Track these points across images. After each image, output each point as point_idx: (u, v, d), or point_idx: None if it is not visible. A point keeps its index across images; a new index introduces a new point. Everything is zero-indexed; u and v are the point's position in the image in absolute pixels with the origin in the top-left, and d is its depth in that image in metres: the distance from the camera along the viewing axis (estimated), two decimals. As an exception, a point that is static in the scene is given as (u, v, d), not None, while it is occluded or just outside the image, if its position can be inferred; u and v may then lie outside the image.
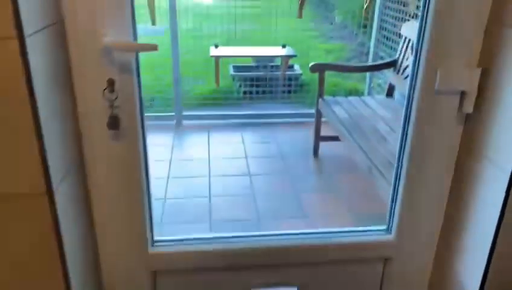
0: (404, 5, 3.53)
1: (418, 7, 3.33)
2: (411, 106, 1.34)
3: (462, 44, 1.22)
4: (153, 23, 3.32)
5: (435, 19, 1.19)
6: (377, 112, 3.02)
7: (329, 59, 5.57)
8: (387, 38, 3.78)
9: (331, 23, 7.42)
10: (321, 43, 6.17)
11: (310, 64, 3.19)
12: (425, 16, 1.22)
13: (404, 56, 3.13)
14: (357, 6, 4.63)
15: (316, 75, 3.09)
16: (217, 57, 3.58)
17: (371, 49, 4.03)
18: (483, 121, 1.27)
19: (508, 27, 1.13)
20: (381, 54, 3.84)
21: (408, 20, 3.40)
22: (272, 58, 3.83)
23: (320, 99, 3.22)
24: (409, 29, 3.12)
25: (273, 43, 4.27)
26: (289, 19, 3.83)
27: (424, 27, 1.23)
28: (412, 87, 1.32)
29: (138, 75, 1.23)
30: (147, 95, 4.24)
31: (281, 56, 3.71)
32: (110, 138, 1.24)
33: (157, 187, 2.89)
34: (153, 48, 1.13)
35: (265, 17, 3.98)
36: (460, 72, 1.26)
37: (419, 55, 1.27)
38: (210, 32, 4.60)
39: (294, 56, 3.78)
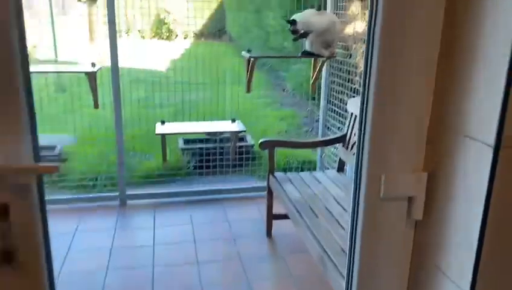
0: (349, 81, 3.58)
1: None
2: (357, 213, 1.22)
3: (405, 149, 1.13)
4: (96, 106, 3.16)
5: (373, 128, 1.10)
6: (329, 190, 2.93)
7: (281, 126, 5.56)
8: (335, 112, 3.79)
9: (283, 90, 7.56)
10: (273, 110, 6.20)
11: (260, 141, 3.10)
12: (363, 128, 1.14)
13: (352, 132, 3.11)
14: (304, 78, 4.71)
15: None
16: (163, 135, 3.43)
17: (320, 121, 4.02)
18: (433, 227, 1.16)
19: (451, 130, 1.06)
20: (332, 124, 3.83)
21: (353, 96, 3.43)
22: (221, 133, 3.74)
23: (271, 177, 3.10)
24: (355, 106, 3.13)
25: (225, 112, 4.20)
26: (242, 86, 3.81)
27: (363, 137, 1.14)
28: (356, 194, 1.21)
29: (41, 198, 1.03)
30: (90, 174, 3.97)
31: (230, 132, 3.62)
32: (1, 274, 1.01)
33: (93, 282, 2.58)
34: (53, 170, 0.96)
35: (216, 84, 3.91)
36: (406, 178, 1.16)
37: (361, 162, 1.16)
38: (162, 102, 4.49)
39: (244, 131, 3.70)
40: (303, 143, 3.24)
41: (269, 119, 5.22)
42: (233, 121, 3.77)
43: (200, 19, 3.98)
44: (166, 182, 3.98)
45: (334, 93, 3.87)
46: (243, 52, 3.56)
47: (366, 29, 1.11)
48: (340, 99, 3.70)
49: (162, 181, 3.96)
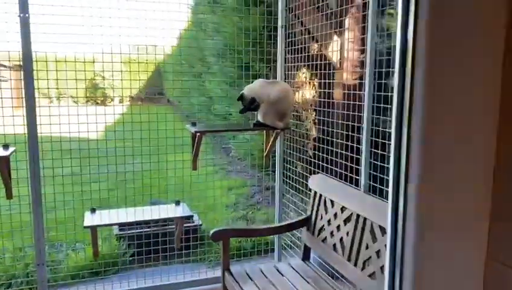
0: (303, 153, 3.24)
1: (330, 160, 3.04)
2: None
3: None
4: (9, 196, 2.53)
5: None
6: (295, 286, 2.45)
7: (230, 198, 5.08)
8: (292, 187, 3.40)
9: (229, 154, 7.15)
10: (220, 178, 5.73)
11: (212, 232, 2.59)
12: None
13: (317, 214, 2.71)
14: (253, 147, 4.35)
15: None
16: (94, 227, 2.82)
17: (277, 195, 3.61)
18: None
19: None
20: (292, 200, 3.42)
21: (311, 169, 3.08)
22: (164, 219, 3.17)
23: (226, 274, 2.57)
24: (318, 184, 2.76)
25: (167, 186, 3.65)
26: (186, 154, 3.34)
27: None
28: None
29: None
30: (3, 274, 3.18)
31: (174, 218, 3.08)
32: None
33: None
34: None
35: (157, 152, 3.41)
36: None
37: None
38: (95, 176, 3.84)
39: (190, 217, 3.18)
40: (262, 230, 2.79)
41: (217, 190, 4.72)
42: (178, 203, 3.24)
43: (136, 82, 3.52)
44: (100, 279, 3.28)
45: (290, 166, 3.50)
46: (187, 126, 3.13)
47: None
48: (297, 173, 3.34)
49: (94, 278, 3.26)
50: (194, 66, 7.14)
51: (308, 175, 3.19)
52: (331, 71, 3.17)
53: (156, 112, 3.50)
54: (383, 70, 2.38)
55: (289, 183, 3.52)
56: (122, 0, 3.14)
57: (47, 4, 2.95)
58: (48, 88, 3.31)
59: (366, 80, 2.39)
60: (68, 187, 3.37)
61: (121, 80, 3.56)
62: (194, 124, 3.15)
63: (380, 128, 2.38)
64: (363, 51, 2.98)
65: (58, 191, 3.20)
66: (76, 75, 3.24)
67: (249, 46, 3.61)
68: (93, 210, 3.08)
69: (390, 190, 0.89)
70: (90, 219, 2.93)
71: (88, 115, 3.23)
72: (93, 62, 3.83)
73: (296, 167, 3.44)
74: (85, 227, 2.82)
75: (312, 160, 3.19)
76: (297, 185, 3.38)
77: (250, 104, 2.91)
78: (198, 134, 2.92)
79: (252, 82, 3.13)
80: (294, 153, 3.48)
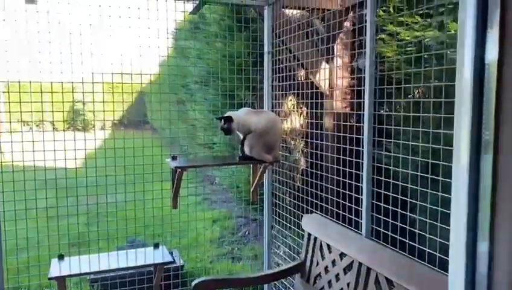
0: (292, 188, 2.94)
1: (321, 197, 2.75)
2: None
3: None
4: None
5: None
6: None
7: (214, 232, 4.69)
8: (285, 227, 3.07)
9: (212, 183, 6.79)
10: (204, 209, 5.35)
11: (194, 284, 2.22)
12: None
13: (312, 259, 2.37)
14: (239, 179, 4.03)
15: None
16: (61, 278, 2.40)
17: (266, 237, 3.28)
18: None
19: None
20: (282, 240, 3.08)
21: (302, 206, 2.76)
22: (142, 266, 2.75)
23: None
24: (313, 224, 2.43)
25: (146, 221, 3.28)
26: (168, 182, 3.03)
27: None
28: None
29: None
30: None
31: (153, 265, 2.68)
32: None
33: None
34: None
35: (137, 185, 3.09)
36: None
37: None
38: (72, 208, 3.41)
39: (171, 262, 2.79)
40: (250, 280, 2.43)
41: (200, 223, 4.35)
42: (156, 246, 2.86)
43: (118, 109, 3.26)
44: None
45: (279, 202, 3.18)
46: (167, 160, 2.81)
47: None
48: (288, 210, 3.02)
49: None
50: (177, 93, 6.87)
51: (300, 213, 2.87)
52: (322, 100, 2.95)
53: (138, 139, 3.19)
54: (384, 100, 2.11)
55: (279, 221, 3.19)
56: (103, 27, 2.88)
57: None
58: (20, 112, 2.98)
59: (366, 110, 2.12)
60: (43, 222, 2.98)
61: (104, 106, 3.29)
62: (174, 158, 2.84)
63: (383, 166, 2.09)
64: (353, 78, 2.79)
65: (33, 227, 2.82)
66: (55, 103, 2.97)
67: (233, 73, 3.38)
68: (61, 257, 2.67)
69: (456, 252, 0.65)
70: (57, 268, 2.51)
71: (66, 140, 2.91)
72: (72, 92, 3.55)
73: (286, 204, 3.12)
74: (50, 279, 2.40)
75: (304, 197, 2.88)
76: (288, 224, 3.06)
77: (225, 123, 2.59)
78: (178, 170, 2.59)
79: (236, 110, 2.86)
80: (284, 187, 3.17)
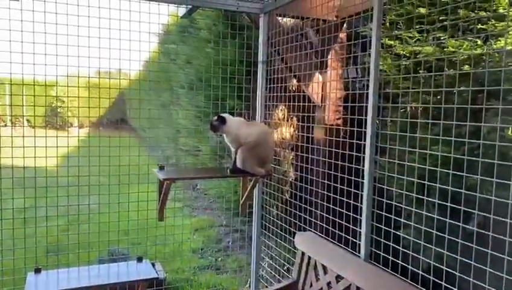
0: (283, 202, 2.82)
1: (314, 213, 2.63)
2: None
3: None
4: None
5: None
6: None
7: (196, 242, 4.50)
8: (275, 242, 2.93)
9: (194, 189, 6.59)
10: (185, 216, 5.14)
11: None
12: None
13: (305, 280, 2.23)
14: (228, 190, 3.86)
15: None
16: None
17: (254, 246, 3.14)
18: None
19: None
20: (271, 255, 2.94)
21: (304, 229, 2.63)
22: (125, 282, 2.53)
23: None
24: (307, 243, 2.30)
25: (128, 229, 3.08)
26: (151, 187, 2.90)
27: None
28: None
29: None
30: None
31: (135, 281, 2.47)
32: None
33: None
34: None
35: (115, 188, 2.93)
36: None
37: None
38: (50, 212, 3.16)
39: (156, 279, 2.59)
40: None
41: (182, 230, 4.16)
42: (140, 260, 2.66)
43: (97, 107, 3.10)
44: None
45: (268, 216, 3.05)
46: (155, 170, 2.64)
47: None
48: (289, 231, 2.89)
49: None
50: (162, 96, 6.66)
51: (290, 228, 2.75)
52: (314, 113, 2.85)
53: (117, 140, 3.05)
54: (388, 118, 2.01)
55: (268, 235, 3.05)
56: (86, 21, 2.68)
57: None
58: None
59: (368, 128, 2.01)
60: (18, 225, 2.75)
61: (88, 103, 3.12)
62: (161, 168, 2.68)
63: (385, 186, 1.97)
64: (348, 91, 2.72)
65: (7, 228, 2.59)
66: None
67: (225, 81, 3.24)
68: (37, 270, 2.43)
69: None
70: (33, 285, 2.28)
71: (46, 140, 2.71)
72: (48, 84, 3.34)
73: (275, 217, 2.99)
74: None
75: (293, 211, 2.76)
76: (277, 239, 2.92)
77: (217, 120, 2.54)
78: (167, 181, 2.42)
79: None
80: (274, 201, 3.04)
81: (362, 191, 2.05)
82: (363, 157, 2.06)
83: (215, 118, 2.56)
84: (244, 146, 2.57)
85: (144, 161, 3.31)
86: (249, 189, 2.82)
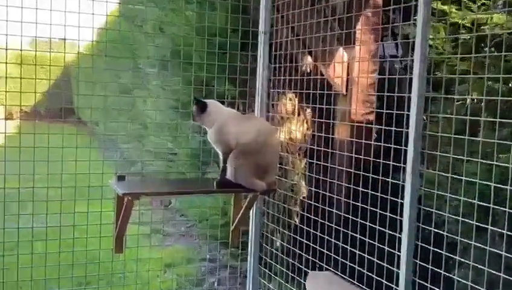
0: (287, 227, 2.88)
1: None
2: None
3: None
4: None
5: None
6: None
7: (168, 283, 4.51)
8: (277, 283, 2.98)
9: (167, 206, 6.62)
10: (154, 245, 5.15)
11: None
12: None
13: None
14: (212, 209, 3.87)
15: None
16: None
17: (249, 285, 3.21)
18: None
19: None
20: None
21: (319, 267, 2.68)
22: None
23: None
24: (323, 286, 2.33)
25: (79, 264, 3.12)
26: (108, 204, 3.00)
27: None
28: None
29: None
30: None
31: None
32: None
33: None
34: None
35: (58, 203, 3.02)
36: None
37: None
38: None
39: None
40: None
41: (148, 266, 4.19)
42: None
43: (32, 92, 3.18)
44: None
45: (271, 248, 3.11)
46: (111, 182, 2.73)
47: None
48: (280, 259, 2.93)
49: None
50: (122, 77, 6.68)
51: (299, 265, 2.78)
52: (336, 105, 2.89)
53: (60, 139, 3.09)
54: (440, 115, 2.02)
55: (270, 275, 3.09)
56: None
57: None
58: None
59: (412, 129, 2.05)
60: None
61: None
62: (121, 179, 2.76)
63: (433, 210, 2.00)
64: (380, 74, 2.81)
65: None
66: None
67: (211, 58, 3.30)
68: None
69: None
70: None
71: None
72: None
73: (281, 251, 3.05)
74: None
75: (306, 242, 2.80)
76: (281, 280, 2.96)
77: (197, 105, 2.70)
78: (128, 198, 2.46)
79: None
80: (277, 226, 3.11)
81: (401, 215, 2.09)
82: (404, 169, 2.09)
83: (195, 102, 2.68)
84: (236, 150, 2.62)
85: (97, 168, 3.33)
86: (243, 210, 2.90)
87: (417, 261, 2.06)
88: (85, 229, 3.12)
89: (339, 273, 2.52)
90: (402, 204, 2.09)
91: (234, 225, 2.93)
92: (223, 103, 3.00)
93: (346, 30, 2.76)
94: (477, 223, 1.88)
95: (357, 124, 2.76)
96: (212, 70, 3.32)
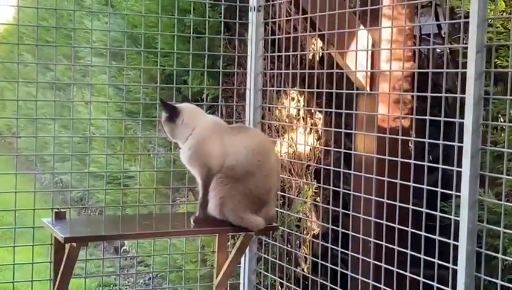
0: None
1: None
2: None
3: None
4: None
5: None
6: None
7: None
8: None
9: (117, 251, 6.66)
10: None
11: None
12: None
13: None
14: (185, 257, 3.89)
15: None
16: None
17: None
18: None
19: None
20: None
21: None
22: None
23: None
24: None
25: None
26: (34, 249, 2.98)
27: None
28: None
29: None
30: None
31: None
32: None
33: None
34: None
35: None
36: None
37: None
38: None
39: None
40: None
41: None
42: None
43: None
44: None
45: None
46: (45, 220, 2.78)
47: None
48: None
49: None
50: (51, 69, 6.70)
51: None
52: (357, 108, 2.96)
53: None
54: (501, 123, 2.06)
55: None
56: None
57: None
58: None
59: (467, 140, 2.08)
60: None
61: None
62: (59, 216, 2.81)
63: (499, 255, 2.03)
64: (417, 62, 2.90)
65: None
66: None
67: (182, 43, 3.42)
68: None
69: None
70: None
71: None
72: None
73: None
74: None
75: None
76: None
77: (166, 112, 2.78)
78: (72, 244, 2.49)
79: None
80: (284, 281, 3.15)
81: (455, 263, 2.13)
82: (455, 197, 2.13)
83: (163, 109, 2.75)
84: (222, 173, 2.67)
85: (24, 199, 3.34)
86: (232, 256, 2.95)
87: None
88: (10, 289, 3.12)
89: None
90: (456, 247, 2.12)
91: (219, 278, 2.98)
92: (201, 107, 3.04)
93: (369, 6, 2.79)
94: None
95: (386, 133, 2.78)
96: (185, 60, 3.37)
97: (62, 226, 2.61)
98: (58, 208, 2.82)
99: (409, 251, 2.41)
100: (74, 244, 2.48)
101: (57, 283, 2.64)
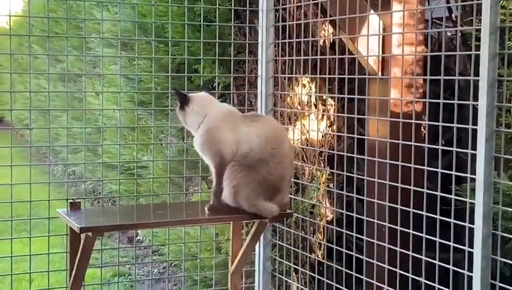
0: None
1: None
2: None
3: None
4: None
5: None
6: None
7: None
8: None
9: (131, 241, 6.69)
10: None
11: None
12: None
13: None
14: (197, 246, 3.90)
15: None
16: None
17: None
18: None
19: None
20: None
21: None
22: None
23: None
24: None
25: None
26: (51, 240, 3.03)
27: None
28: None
29: None
30: None
31: None
32: None
33: None
34: None
35: None
36: None
37: None
38: None
39: None
40: None
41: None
42: None
43: None
44: None
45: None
46: (60, 211, 2.78)
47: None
48: None
49: None
50: (61, 60, 6.71)
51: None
52: (369, 94, 2.96)
53: None
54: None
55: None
56: None
57: None
58: None
59: (482, 125, 2.07)
60: None
61: None
62: (74, 206, 2.80)
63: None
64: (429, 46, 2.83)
65: None
66: None
67: (193, 30, 3.43)
68: None
69: None
70: None
71: None
72: None
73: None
74: None
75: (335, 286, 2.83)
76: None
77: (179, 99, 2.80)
78: (88, 234, 2.50)
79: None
80: (299, 267, 3.15)
81: (471, 246, 2.12)
82: (470, 188, 2.13)
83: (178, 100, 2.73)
84: (235, 162, 2.68)
85: (37, 191, 3.36)
86: (247, 243, 2.96)
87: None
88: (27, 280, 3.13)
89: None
90: (471, 246, 2.13)
91: (234, 265, 2.99)
92: (212, 95, 3.04)
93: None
94: None
95: (399, 119, 2.78)
96: (196, 48, 3.38)
97: (77, 216, 2.62)
98: (73, 199, 2.82)
99: (424, 235, 2.42)
100: (90, 234, 2.49)
101: (73, 272, 2.64)
